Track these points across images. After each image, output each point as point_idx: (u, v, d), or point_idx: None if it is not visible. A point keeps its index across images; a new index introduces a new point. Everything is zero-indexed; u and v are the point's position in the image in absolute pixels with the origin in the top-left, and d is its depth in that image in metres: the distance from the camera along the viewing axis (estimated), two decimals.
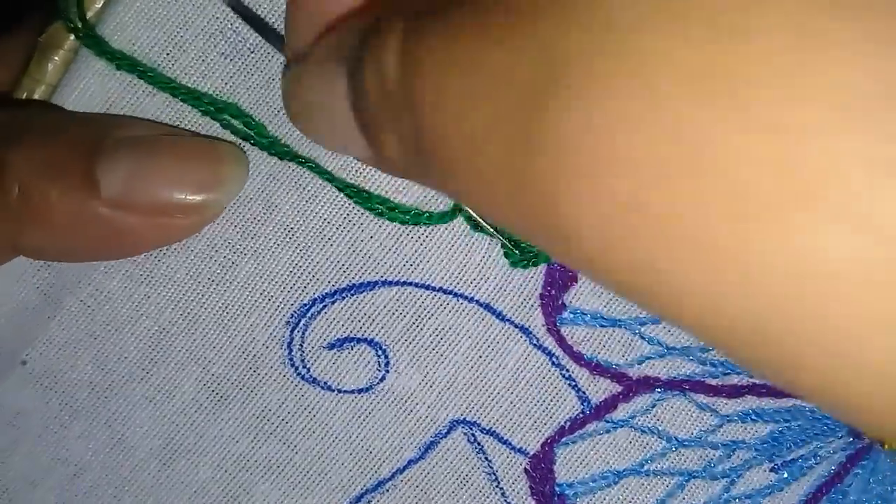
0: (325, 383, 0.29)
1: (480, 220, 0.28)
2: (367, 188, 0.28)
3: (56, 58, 0.29)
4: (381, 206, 0.28)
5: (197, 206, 0.27)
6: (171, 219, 0.27)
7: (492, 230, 0.28)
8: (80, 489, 0.29)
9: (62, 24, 0.28)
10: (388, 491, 0.29)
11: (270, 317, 0.29)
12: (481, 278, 0.29)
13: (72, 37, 0.28)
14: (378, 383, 0.29)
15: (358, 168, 0.28)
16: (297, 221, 0.28)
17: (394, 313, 0.29)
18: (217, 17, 0.28)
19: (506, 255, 0.28)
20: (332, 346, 0.29)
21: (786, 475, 0.30)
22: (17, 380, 0.29)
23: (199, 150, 0.27)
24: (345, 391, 0.29)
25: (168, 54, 0.28)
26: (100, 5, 0.28)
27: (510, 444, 0.29)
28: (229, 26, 0.28)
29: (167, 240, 0.28)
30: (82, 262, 0.28)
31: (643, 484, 0.29)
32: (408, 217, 0.28)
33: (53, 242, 0.27)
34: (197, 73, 0.28)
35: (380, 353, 0.29)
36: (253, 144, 0.28)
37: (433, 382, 0.29)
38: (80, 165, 0.26)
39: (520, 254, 0.28)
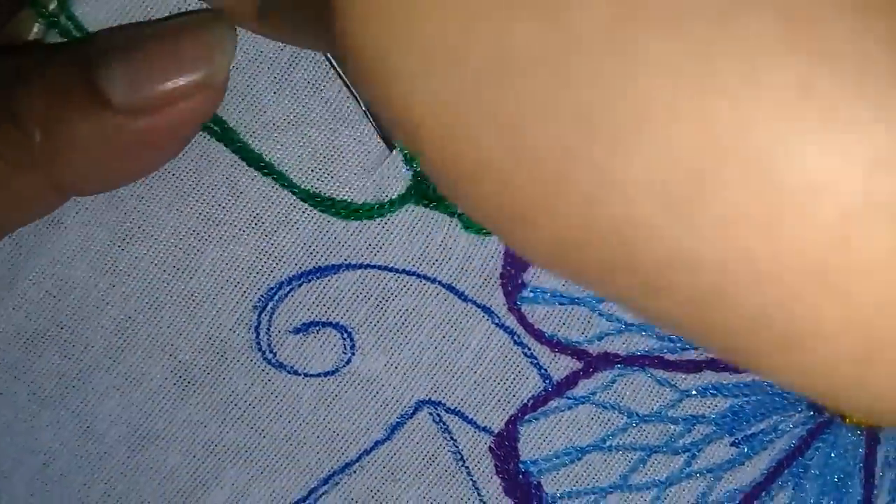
0: (292, 367, 0.29)
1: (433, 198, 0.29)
2: (325, 192, 0.29)
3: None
4: (343, 210, 0.29)
5: (205, 79, 0.27)
6: (185, 103, 0.27)
7: (448, 207, 0.29)
8: (51, 478, 0.30)
9: (30, 12, 0.28)
10: (355, 472, 0.30)
11: (237, 302, 0.29)
12: (443, 259, 0.29)
13: (36, 28, 0.29)
14: (344, 366, 0.29)
15: (315, 168, 0.29)
16: (263, 207, 0.29)
17: (358, 296, 0.29)
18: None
19: (464, 227, 0.29)
20: (297, 331, 0.29)
21: (746, 449, 0.30)
22: None
23: (180, 26, 0.28)
24: (311, 375, 0.29)
25: None
26: None
27: (475, 423, 0.30)
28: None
29: (193, 126, 0.28)
30: (126, 183, 0.28)
31: (606, 459, 0.30)
32: (371, 213, 0.29)
33: (91, 169, 0.27)
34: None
35: (345, 336, 0.29)
36: (212, 136, 0.28)
37: (398, 364, 0.29)
38: (83, 84, 0.26)
39: None
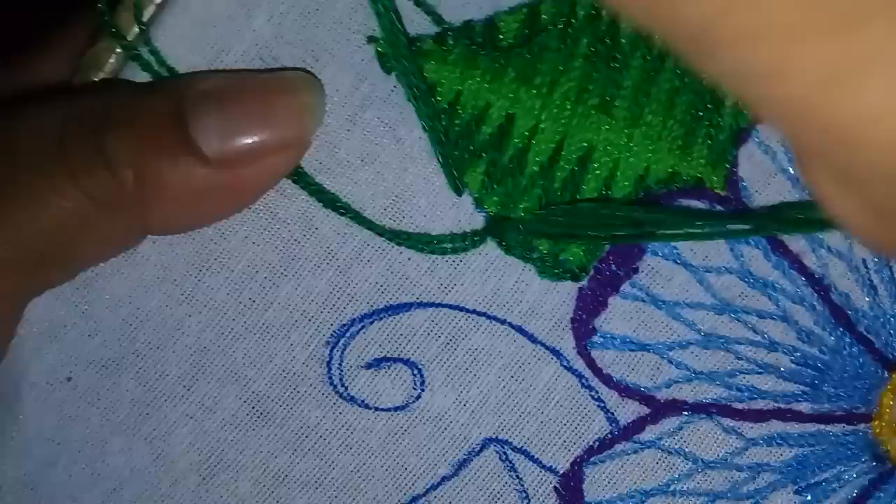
0: (363, 401, 0.30)
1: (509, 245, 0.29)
2: (403, 227, 0.29)
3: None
4: (422, 245, 0.29)
5: (293, 138, 0.28)
6: (273, 157, 0.28)
7: (524, 253, 0.29)
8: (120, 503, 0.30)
9: (108, 44, 0.29)
10: None
11: (310, 336, 0.29)
12: (514, 301, 0.29)
13: (112, 58, 0.29)
14: (413, 402, 0.30)
15: (387, 206, 0.29)
16: (337, 243, 0.29)
17: (429, 334, 0.29)
18: (256, 43, 0.29)
19: (540, 273, 0.29)
20: (369, 366, 0.30)
21: (810, 497, 0.31)
22: (61, 396, 0.30)
23: (277, 86, 0.28)
24: (381, 409, 0.30)
25: None
26: (139, 29, 0.29)
27: (540, 462, 0.30)
28: (268, 52, 0.29)
29: (274, 180, 0.28)
30: (205, 226, 0.29)
31: (670, 503, 0.30)
32: (448, 248, 0.29)
33: (176, 216, 0.28)
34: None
35: (415, 372, 0.30)
36: (294, 182, 0.29)
37: (466, 401, 0.30)
38: (176, 132, 0.27)
39: (553, 267, 0.29)
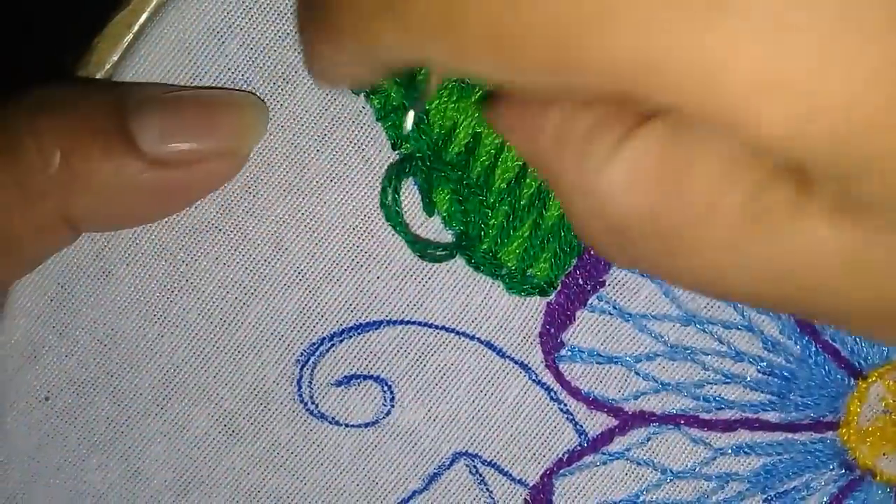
0: (333, 418, 0.30)
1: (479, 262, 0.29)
2: (366, 249, 0.30)
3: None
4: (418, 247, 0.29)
5: (230, 150, 0.28)
6: (208, 165, 0.28)
7: (492, 270, 0.29)
8: None
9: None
10: None
11: (280, 355, 0.30)
12: (483, 317, 0.30)
13: (116, 57, 0.30)
14: (384, 417, 0.30)
15: (356, 226, 0.30)
16: (307, 263, 0.30)
17: (399, 351, 0.30)
18: (229, 68, 0.29)
19: (508, 289, 0.29)
20: (339, 383, 0.30)
21: None
22: (39, 415, 0.30)
23: (221, 99, 0.29)
24: (352, 425, 0.30)
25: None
26: (116, 57, 0.30)
27: (510, 475, 0.30)
28: (241, 77, 0.29)
29: (206, 189, 0.29)
30: (131, 226, 0.29)
31: None
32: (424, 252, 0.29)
33: (103, 208, 0.28)
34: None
35: (385, 388, 0.30)
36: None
37: (436, 416, 0.30)
38: (114, 124, 0.27)
39: (521, 283, 0.29)
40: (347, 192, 0.29)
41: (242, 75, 0.29)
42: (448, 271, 0.30)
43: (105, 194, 0.27)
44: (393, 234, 0.29)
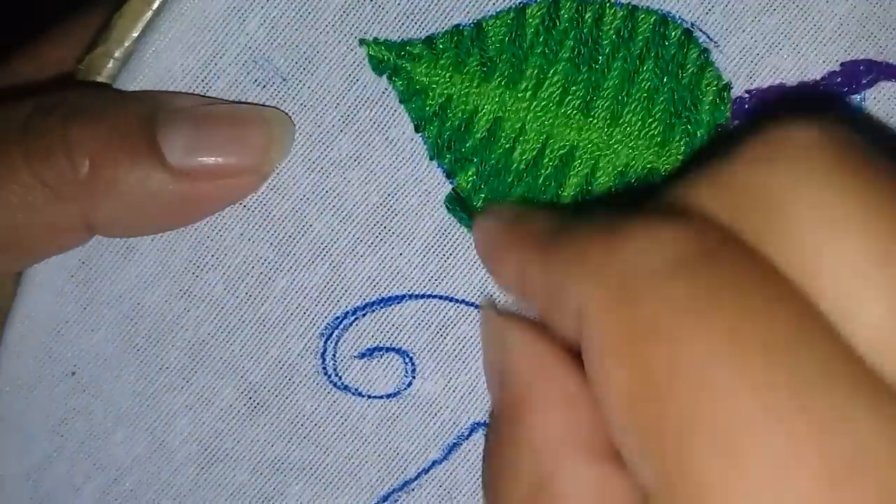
0: (356, 389, 0.31)
1: None
2: (393, 226, 0.31)
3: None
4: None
5: (255, 166, 0.29)
6: (232, 180, 0.29)
7: None
8: (121, 493, 0.31)
9: (106, 48, 0.30)
10: (413, 490, 0.31)
11: (305, 329, 0.31)
12: (502, 291, 0.31)
13: (110, 64, 0.30)
14: (405, 389, 0.31)
15: (378, 203, 0.31)
16: (330, 240, 0.30)
17: (420, 324, 0.31)
18: (249, 46, 0.30)
19: None
20: (362, 356, 0.31)
21: None
22: (66, 389, 0.31)
23: (250, 115, 0.29)
24: (374, 396, 0.31)
25: (202, 81, 0.30)
26: (136, 34, 0.30)
27: None
28: (262, 55, 0.30)
29: (227, 203, 0.30)
30: (151, 233, 0.30)
31: None
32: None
33: (124, 216, 0.29)
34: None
35: (407, 360, 0.31)
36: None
37: (456, 387, 0.31)
38: (144, 135, 0.28)
39: None
40: (370, 170, 0.30)
41: (263, 53, 0.30)
42: (468, 247, 0.31)
43: (128, 203, 0.28)
44: (415, 212, 0.30)
